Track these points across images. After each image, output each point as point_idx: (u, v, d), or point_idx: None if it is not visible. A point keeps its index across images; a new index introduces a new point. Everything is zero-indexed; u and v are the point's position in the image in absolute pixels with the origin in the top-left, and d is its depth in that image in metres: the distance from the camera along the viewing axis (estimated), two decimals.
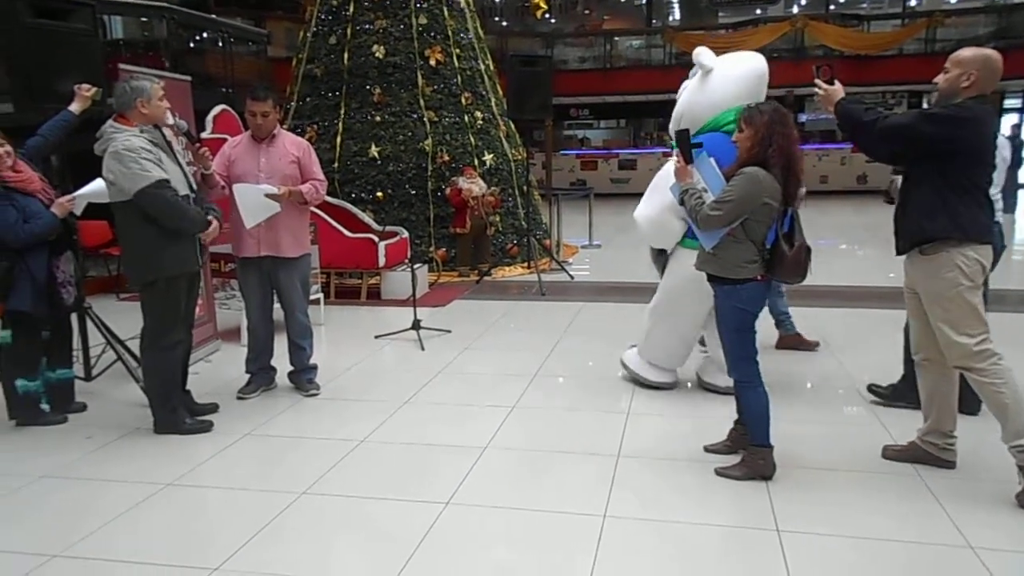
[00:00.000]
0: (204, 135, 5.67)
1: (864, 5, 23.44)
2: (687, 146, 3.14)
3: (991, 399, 2.92)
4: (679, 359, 4.38)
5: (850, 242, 10.65)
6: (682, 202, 3.10)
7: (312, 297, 5.49)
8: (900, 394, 3.91)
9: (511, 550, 2.67)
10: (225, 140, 4.61)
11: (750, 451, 3.16)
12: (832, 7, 22.20)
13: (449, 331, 5.74)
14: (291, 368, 4.47)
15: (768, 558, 2.57)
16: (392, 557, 2.61)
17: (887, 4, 22.84)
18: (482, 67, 9.31)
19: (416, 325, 5.51)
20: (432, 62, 8.59)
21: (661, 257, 4.29)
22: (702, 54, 4.04)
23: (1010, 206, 13.43)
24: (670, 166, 3.94)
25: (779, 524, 2.78)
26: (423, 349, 5.30)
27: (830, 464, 3.30)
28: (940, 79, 2.98)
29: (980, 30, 19.78)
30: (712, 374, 4.28)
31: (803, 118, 21.41)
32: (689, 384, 4.51)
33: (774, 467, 3.13)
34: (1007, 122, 21.39)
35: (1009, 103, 22.54)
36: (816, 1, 22.57)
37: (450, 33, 8.81)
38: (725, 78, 3.98)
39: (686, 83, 4.18)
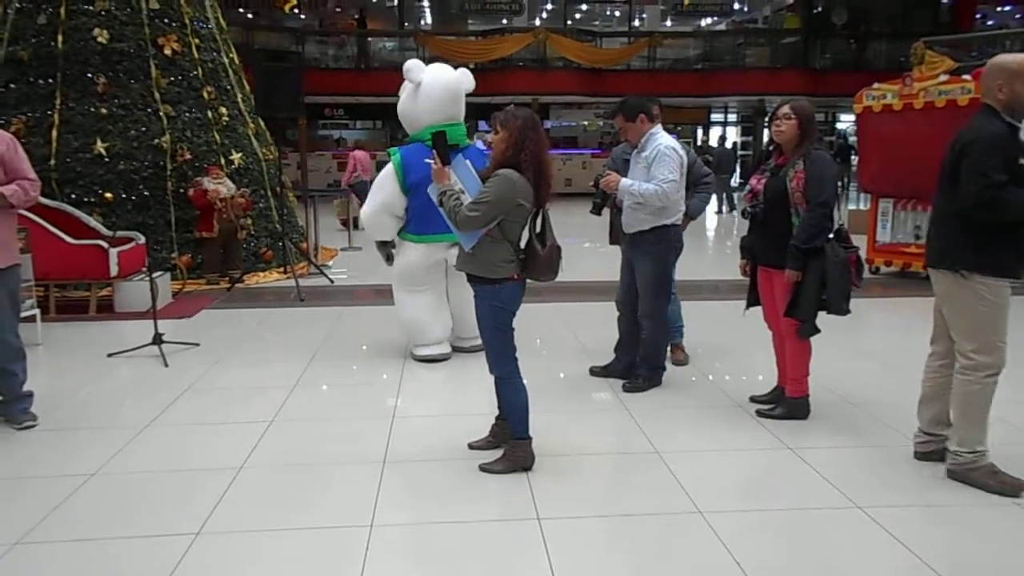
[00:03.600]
0: None
1: (597, 23, 25.55)
2: (444, 148, 3.17)
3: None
4: (440, 329, 4.95)
5: (592, 240, 11.53)
6: (441, 204, 3.13)
7: (25, 314, 4.76)
8: (610, 370, 4.58)
9: (272, 575, 2.51)
10: None
11: (511, 444, 3.28)
12: (569, 22, 23.91)
13: (197, 344, 5.29)
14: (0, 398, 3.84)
15: (530, 546, 2.67)
16: None
17: (616, 23, 25.10)
18: (226, 60, 8.72)
19: (157, 339, 5.00)
20: (167, 51, 7.86)
21: (384, 247, 5.04)
22: (411, 68, 4.76)
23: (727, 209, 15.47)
24: (387, 169, 4.70)
25: (539, 512, 2.91)
26: (167, 365, 4.83)
27: (582, 449, 3.53)
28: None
29: (690, 52, 22.51)
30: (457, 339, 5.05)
31: (548, 124, 22.84)
32: (457, 383, 4.58)
33: (533, 457, 3.27)
34: (714, 135, 24.59)
35: (715, 117, 25.92)
36: (556, 16, 24.18)
37: (187, 21, 8.13)
38: (434, 87, 4.74)
39: (403, 88, 4.85)
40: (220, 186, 7.59)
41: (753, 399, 4.11)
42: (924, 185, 7.62)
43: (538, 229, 3.20)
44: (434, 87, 4.75)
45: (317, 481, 3.22)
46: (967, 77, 7.50)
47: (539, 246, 3.17)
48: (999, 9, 23.84)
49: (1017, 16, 23.75)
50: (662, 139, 4.11)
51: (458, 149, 3.45)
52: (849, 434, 3.71)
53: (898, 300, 7.20)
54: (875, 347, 5.61)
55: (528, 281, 3.25)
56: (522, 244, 3.18)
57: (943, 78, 7.64)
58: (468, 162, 3.17)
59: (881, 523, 2.81)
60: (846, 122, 23.49)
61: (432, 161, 3.19)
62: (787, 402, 3.89)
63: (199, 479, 3.21)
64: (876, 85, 8.18)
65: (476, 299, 3.22)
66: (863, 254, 8.04)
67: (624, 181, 4.08)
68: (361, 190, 11.57)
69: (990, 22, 23.24)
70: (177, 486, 3.17)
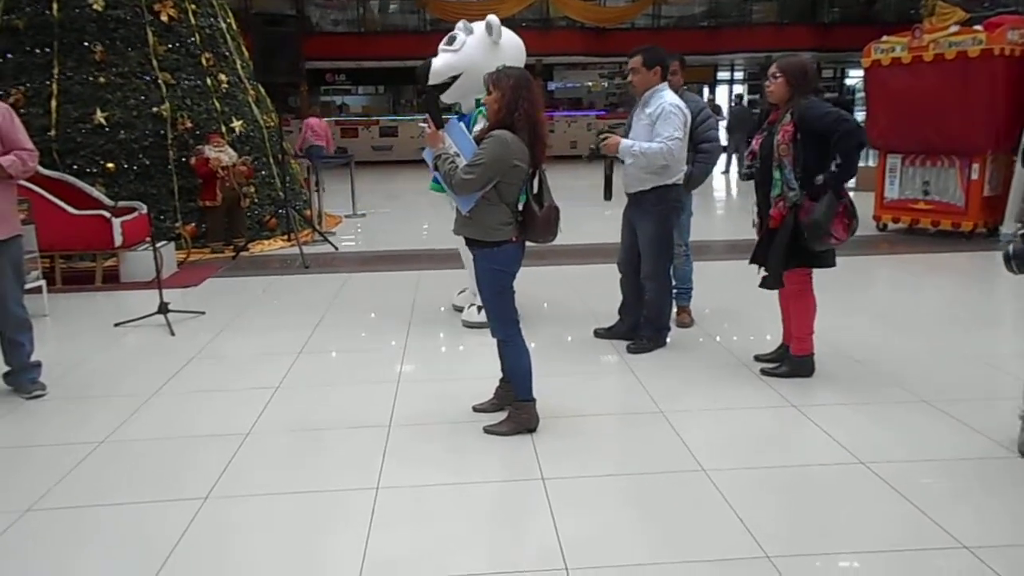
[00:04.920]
0: None
1: None
2: (436, 112, 3.13)
3: None
4: None
5: (595, 203, 11.46)
6: (436, 167, 3.09)
7: (31, 285, 4.78)
8: (614, 331, 4.55)
9: (278, 537, 2.54)
10: None
11: (515, 406, 3.29)
12: None
13: (203, 312, 5.31)
14: (7, 369, 3.87)
15: (535, 506, 2.69)
16: (144, 564, 2.36)
17: None
18: (223, 26, 8.61)
19: (164, 308, 5.02)
20: (164, 18, 7.77)
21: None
22: (496, 23, 4.56)
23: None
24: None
25: (543, 472, 2.92)
26: (173, 334, 4.85)
27: (586, 410, 3.54)
28: None
29: (696, 9, 22.10)
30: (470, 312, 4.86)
31: (552, 86, 22.55)
32: (462, 348, 4.60)
33: (538, 419, 3.28)
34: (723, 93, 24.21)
35: (721, 75, 25.53)
36: None
37: None
38: (513, 48, 4.61)
39: (465, 41, 4.52)
40: (222, 154, 7.55)
41: (758, 358, 4.10)
42: (933, 139, 7.62)
43: (535, 190, 3.17)
44: (512, 48, 4.65)
45: (323, 445, 3.25)
46: (979, 28, 7.34)
47: (536, 207, 3.14)
48: None
49: None
50: (667, 96, 4.04)
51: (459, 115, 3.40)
52: (853, 391, 3.70)
53: (905, 257, 7.14)
54: (881, 305, 5.58)
55: (528, 244, 3.23)
56: (519, 206, 3.15)
57: (954, 29, 7.48)
58: (462, 124, 3.13)
59: (887, 479, 2.81)
60: (855, 77, 23.07)
61: (425, 124, 3.15)
62: (791, 360, 3.88)
63: (206, 445, 3.24)
64: (885, 38, 8.01)
65: (475, 263, 3.20)
66: (871, 211, 7.96)
67: (624, 142, 4.02)
68: (316, 155, 11.49)
69: None
70: (184, 452, 3.20)
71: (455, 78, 4.43)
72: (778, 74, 3.56)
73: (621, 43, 19.64)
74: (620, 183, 4.25)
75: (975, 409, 3.35)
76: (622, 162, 4.12)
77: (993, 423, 3.22)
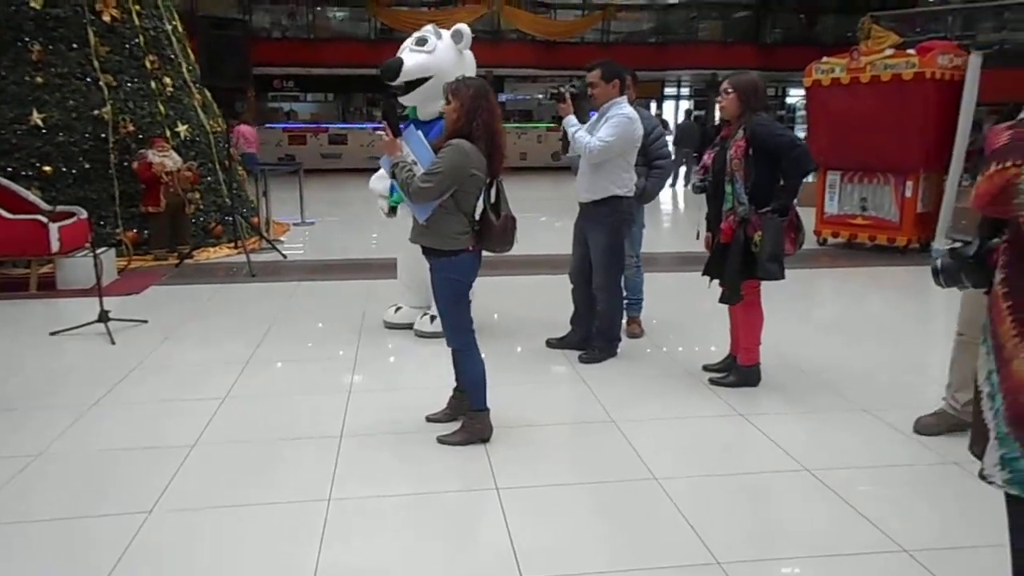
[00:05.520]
0: None
1: None
2: (394, 119, 3.12)
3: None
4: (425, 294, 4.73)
5: (549, 214, 11.55)
6: (393, 175, 3.08)
7: None
8: (566, 341, 4.59)
9: (227, 551, 2.48)
10: None
11: (469, 416, 3.29)
12: None
13: (145, 321, 5.16)
14: None
15: (489, 516, 2.69)
16: None
17: None
18: (169, 28, 8.42)
19: (104, 317, 4.85)
20: (106, 18, 7.55)
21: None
22: (467, 32, 4.63)
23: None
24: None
25: (498, 482, 2.92)
26: (114, 343, 4.70)
27: (539, 420, 3.55)
28: None
29: (644, 25, 22.52)
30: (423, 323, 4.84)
31: (503, 98, 22.65)
32: (413, 358, 4.57)
33: (491, 429, 3.28)
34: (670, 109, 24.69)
35: (668, 91, 26.05)
36: None
37: None
38: (472, 59, 4.69)
39: (436, 45, 4.52)
40: (166, 159, 7.37)
41: (706, 368, 4.18)
42: (870, 158, 7.91)
43: (492, 199, 3.19)
44: (471, 58, 4.74)
45: (273, 457, 3.18)
46: (911, 52, 7.67)
47: (493, 216, 3.15)
48: None
49: None
50: (626, 109, 4.11)
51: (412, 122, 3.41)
52: (798, 400, 3.80)
53: (845, 270, 7.39)
54: (824, 316, 5.76)
55: (484, 253, 3.24)
56: (476, 215, 3.16)
57: (889, 52, 7.80)
58: (419, 133, 3.13)
59: (830, 485, 2.89)
60: (795, 96, 23.82)
61: (383, 132, 3.14)
62: (739, 370, 3.97)
63: (150, 458, 3.15)
64: (825, 59, 8.31)
65: (432, 272, 3.20)
66: (812, 226, 8.20)
67: (571, 117, 4.12)
68: (251, 162, 11.32)
69: None
70: (127, 465, 3.10)
71: (424, 80, 4.43)
72: (730, 90, 3.67)
73: (571, 57, 19.92)
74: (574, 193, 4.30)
75: (908, 417, 3.47)
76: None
77: (945, 435, 3.34)
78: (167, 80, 8.06)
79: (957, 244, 1.77)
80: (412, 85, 4.43)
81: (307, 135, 20.11)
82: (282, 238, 8.93)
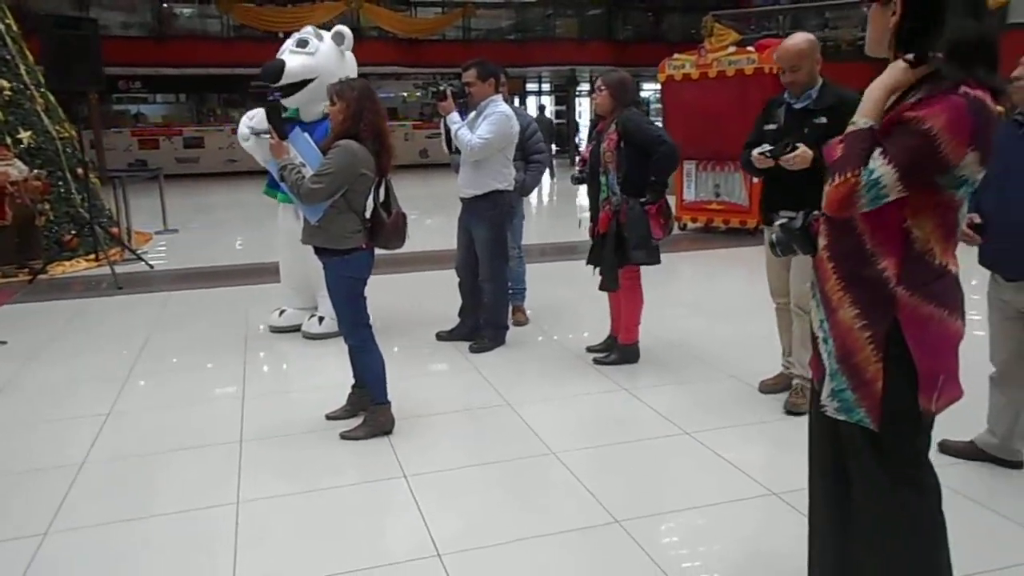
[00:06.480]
0: None
1: None
2: (279, 122, 3.14)
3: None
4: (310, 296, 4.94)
5: (420, 211, 11.61)
6: (282, 178, 3.10)
7: None
8: (456, 333, 4.71)
9: (138, 566, 2.44)
10: None
11: (371, 410, 3.36)
12: None
13: (4, 342, 4.83)
14: None
15: (401, 503, 2.80)
16: None
17: None
18: (1, 27, 7.79)
19: None
20: None
21: None
22: (349, 34, 4.64)
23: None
24: None
25: (405, 470, 3.03)
26: None
27: (438, 408, 3.68)
28: None
29: (503, 23, 22.93)
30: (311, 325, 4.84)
31: None
32: (304, 359, 4.55)
33: (393, 421, 3.38)
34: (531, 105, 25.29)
35: (530, 87, 26.66)
36: None
37: None
38: (353, 59, 4.69)
39: (319, 47, 4.51)
40: (9, 168, 6.85)
41: (590, 349, 4.45)
42: (720, 147, 8.53)
43: (382, 198, 3.27)
44: (353, 62, 4.73)
45: (173, 467, 3.13)
46: (751, 48, 8.35)
47: (384, 214, 3.25)
48: None
49: None
50: (503, 107, 4.29)
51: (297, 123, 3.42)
52: (674, 372, 4.14)
53: (704, 252, 7.97)
54: (689, 295, 6.22)
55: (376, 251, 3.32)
56: (367, 213, 3.24)
57: (731, 49, 8.45)
58: (306, 135, 3.17)
59: (707, 444, 3.21)
60: (649, 90, 25.02)
61: (269, 136, 3.15)
62: (620, 349, 4.26)
63: (35, 480, 3.01)
64: (676, 56, 8.88)
65: (326, 271, 3.24)
66: (673, 212, 8.75)
67: (454, 115, 4.25)
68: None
69: None
70: (11, 489, 2.95)
71: (307, 82, 4.41)
72: (603, 87, 3.93)
73: (434, 55, 19.98)
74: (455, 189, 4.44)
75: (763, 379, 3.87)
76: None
77: (784, 392, 3.75)
78: (3, 83, 7.46)
79: (785, 219, 2.05)
80: (295, 87, 4.41)
81: (159, 138, 19.04)
82: (145, 247, 8.50)
